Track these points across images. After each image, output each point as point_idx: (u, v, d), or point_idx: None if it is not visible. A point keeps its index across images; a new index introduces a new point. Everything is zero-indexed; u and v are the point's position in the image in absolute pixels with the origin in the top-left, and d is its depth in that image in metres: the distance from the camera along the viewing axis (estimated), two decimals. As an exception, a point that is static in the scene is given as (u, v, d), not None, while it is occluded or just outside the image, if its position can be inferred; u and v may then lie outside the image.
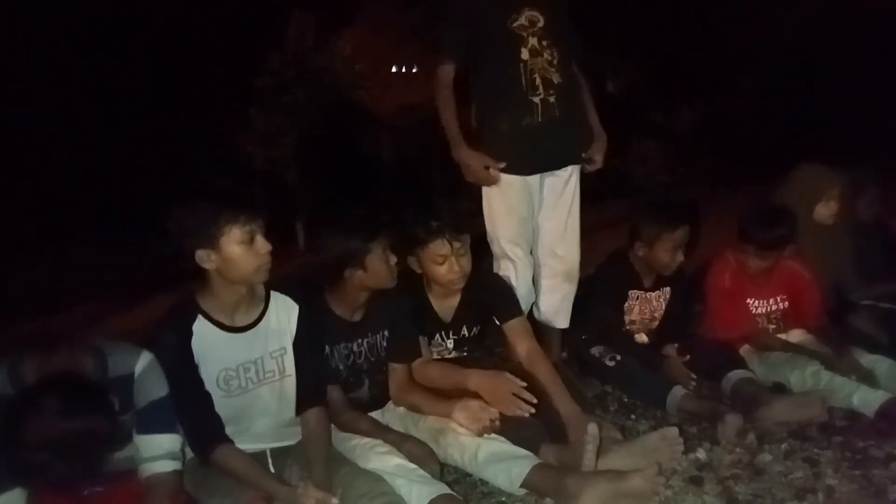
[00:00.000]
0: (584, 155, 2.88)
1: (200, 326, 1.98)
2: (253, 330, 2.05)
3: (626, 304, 3.02)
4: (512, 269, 2.85)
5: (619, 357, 2.85)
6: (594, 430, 2.10)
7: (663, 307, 3.08)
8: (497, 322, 2.62)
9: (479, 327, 2.67)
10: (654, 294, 3.05)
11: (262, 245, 1.93)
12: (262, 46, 10.05)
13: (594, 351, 2.92)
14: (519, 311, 2.66)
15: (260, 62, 10.22)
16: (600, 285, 3.05)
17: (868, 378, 2.66)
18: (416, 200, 2.61)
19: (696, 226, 2.98)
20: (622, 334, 3.03)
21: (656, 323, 3.09)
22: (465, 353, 2.68)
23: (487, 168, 2.77)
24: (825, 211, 3.06)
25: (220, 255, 1.90)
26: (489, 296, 2.63)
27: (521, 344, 2.54)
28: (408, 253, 2.45)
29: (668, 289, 3.06)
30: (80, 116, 8.33)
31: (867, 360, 2.75)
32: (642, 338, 3.08)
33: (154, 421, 1.83)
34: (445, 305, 2.61)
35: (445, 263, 2.44)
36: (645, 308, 3.05)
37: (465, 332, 2.65)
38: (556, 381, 2.39)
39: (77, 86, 8.39)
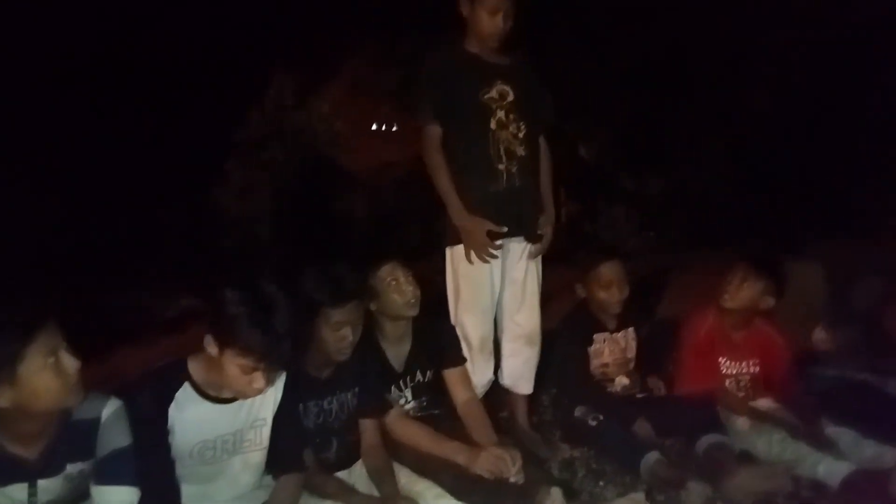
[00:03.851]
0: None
1: (184, 394, 1.93)
2: (239, 401, 2.00)
3: (595, 348, 3.06)
4: (471, 336, 2.87)
5: (601, 417, 2.87)
6: (557, 495, 2.11)
7: (633, 347, 3.14)
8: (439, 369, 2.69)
9: (431, 372, 2.70)
10: (619, 334, 3.11)
11: (258, 382, 1.87)
12: (242, 103, 10.16)
13: (578, 413, 2.94)
14: (461, 361, 2.72)
15: (239, 118, 10.32)
16: (563, 334, 3.10)
17: (831, 449, 2.67)
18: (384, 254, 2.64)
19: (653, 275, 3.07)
20: (593, 382, 3.04)
21: (630, 364, 3.13)
22: (425, 403, 2.69)
23: (488, 234, 2.79)
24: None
25: (219, 355, 1.85)
26: (437, 342, 2.70)
27: (460, 393, 2.65)
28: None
29: (632, 329, 3.13)
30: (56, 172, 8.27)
31: (832, 431, 2.77)
32: (623, 380, 3.09)
33: (115, 472, 1.76)
34: (398, 352, 2.65)
35: (398, 287, 2.50)
36: (614, 348, 3.09)
37: (419, 377, 2.68)
38: (487, 432, 2.49)
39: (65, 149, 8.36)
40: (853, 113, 8.51)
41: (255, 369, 1.84)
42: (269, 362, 1.84)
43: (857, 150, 8.40)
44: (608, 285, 2.99)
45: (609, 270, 3.00)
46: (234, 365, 1.84)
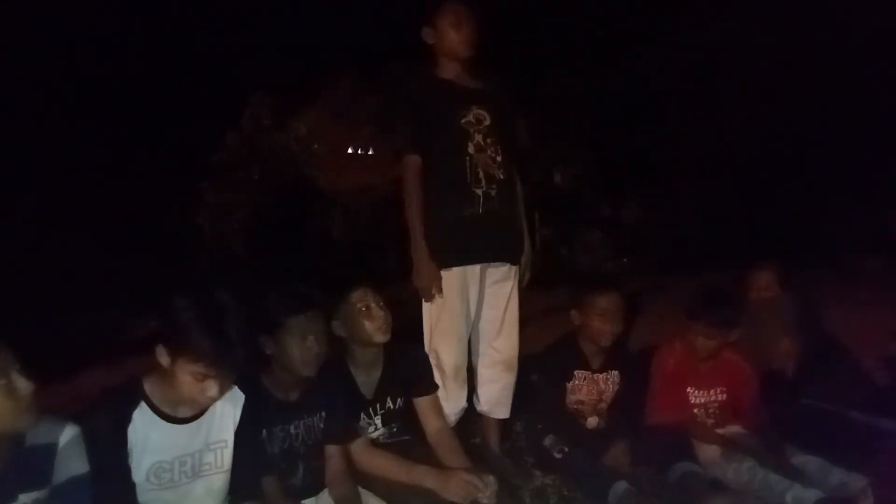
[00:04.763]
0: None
1: (141, 414, 1.89)
2: (197, 422, 1.97)
3: (573, 384, 3.04)
4: (445, 364, 2.85)
5: (566, 449, 2.84)
6: None
7: (612, 390, 3.10)
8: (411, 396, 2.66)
9: (402, 399, 2.67)
10: (601, 376, 3.07)
11: (211, 390, 1.85)
12: (220, 125, 10.16)
13: (546, 442, 2.92)
14: (433, 389, 2.69)
15: (217, 139, 10.30)
16: (544, 365, 3.08)
17: (798, 477, 2.67)
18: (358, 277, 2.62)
19: (627, 300, 3.09)
20: (566, 415, 3.02)
21: (604, 405, 3.10)
22: (395, 430, 2.66)
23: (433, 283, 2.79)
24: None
25: (171, 365, 1.83)
26: (408, 369, 2.67)
27: (431, 422, 2.62)
28: (332, 317, 2.45)
29: (616, 372, 3.10)
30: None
31: (799, 459, 2.78)
32: (594, 421, 3.08)
33: (72, 500, 1.72)
34: (368, 379, 2.61)
35: (368, 313, 2.47)
36: (592, 389, 3.06)
37: (389, 404, 2.65)
38: (459, 460, 2.46)
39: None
40: (825, 141, 8.67)
41: (206, 376, 1.82)
42: (221, 368, 1.82)
43: (829, 178, 8.56)
44: (604, 315, 2.94)
45: (612, 301, 2.96)
46: (185, 373, 1.82)
